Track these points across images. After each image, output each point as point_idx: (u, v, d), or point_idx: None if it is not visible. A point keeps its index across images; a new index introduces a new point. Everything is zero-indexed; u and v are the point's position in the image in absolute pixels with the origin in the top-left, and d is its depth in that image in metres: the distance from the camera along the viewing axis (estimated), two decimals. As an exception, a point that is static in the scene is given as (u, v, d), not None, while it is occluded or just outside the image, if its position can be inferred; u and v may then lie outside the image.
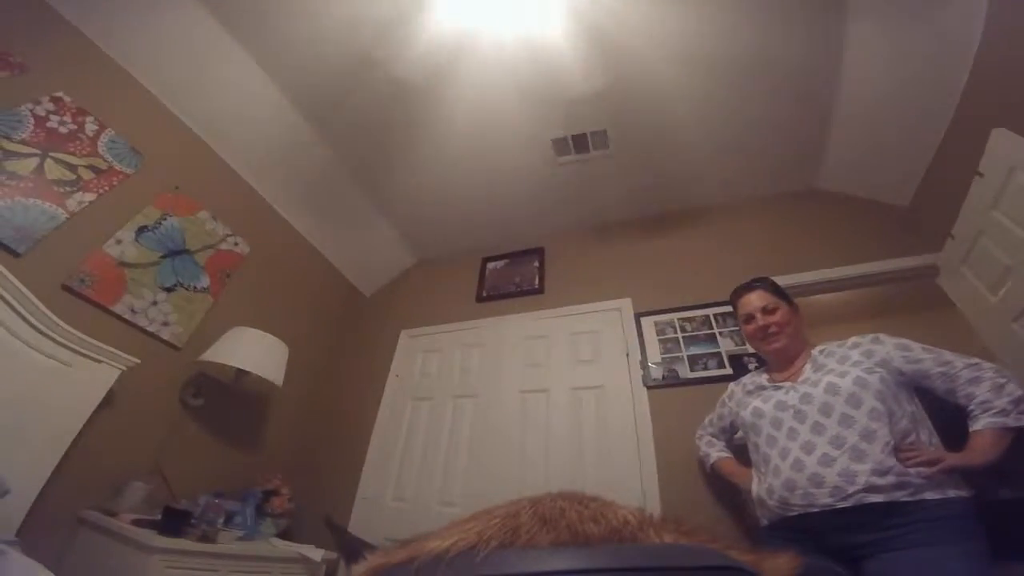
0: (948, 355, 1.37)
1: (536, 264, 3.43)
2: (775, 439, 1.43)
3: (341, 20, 2.30)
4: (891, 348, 1.42)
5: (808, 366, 1.52)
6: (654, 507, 2.07)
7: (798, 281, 2.59)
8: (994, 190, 1.66)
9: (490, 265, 3.59)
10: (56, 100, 2.04)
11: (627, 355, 2.65)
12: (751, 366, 2.34)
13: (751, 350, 2.40)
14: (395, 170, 3.17)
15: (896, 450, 1.24)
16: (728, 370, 2.38)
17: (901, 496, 1.18)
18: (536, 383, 2.76)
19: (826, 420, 1.33)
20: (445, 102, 2.67)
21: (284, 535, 2.17)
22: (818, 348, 1.56)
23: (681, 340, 2.60)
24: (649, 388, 2.47)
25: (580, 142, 2.89)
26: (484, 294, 3.42)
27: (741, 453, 1.76)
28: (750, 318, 1.68)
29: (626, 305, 2.87)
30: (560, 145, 2.92)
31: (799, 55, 2.31)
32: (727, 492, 1.95)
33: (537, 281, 3.33)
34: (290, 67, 2.57)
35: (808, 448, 1.32)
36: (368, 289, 3.88)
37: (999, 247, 1.69)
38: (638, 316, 2.79)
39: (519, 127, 2.80)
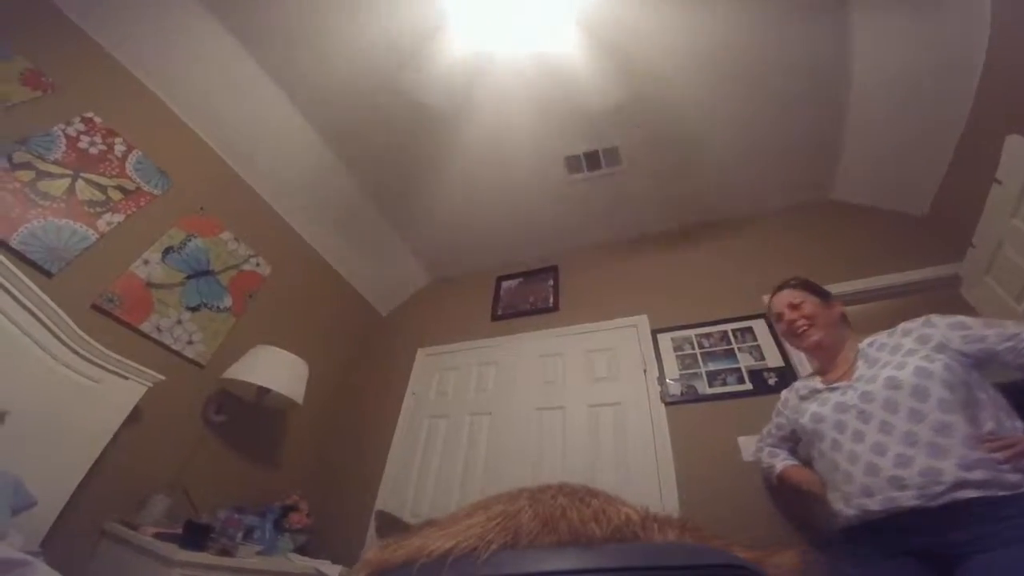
0: (1012, 326, 1.25)
1: (550, 282, 3.45)
2: (840, 444, 1.34)
3: (361, 47, 2.39)
4: (945, 329, 1.30)
5: (860, 362, 1.42)
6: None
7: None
8: (1013, 198, 1.65)
9: (505, 284, 3.61)
10: (87, 121, 2.11)
11: (644, 371, 2.64)
12: (771, 381, 2.31)
13: (771, 365, 2.38)
14: (412, 192, 3.25)
15: (978, 440, 1.14)
16: (748, 385, 2.35)
17: (995, 490, 1.08)
18: (552, 400, 2.75)
19: (893, 417, 1.24)
20: (461, 124, 2.75)
21: (302, 550, 2.17)
22: (866, 341, 1.46)
23: (699, 356, 2.58)
24: (668, 404, 2.44)
25: (592, 159, 2.93)
26: (499, 312, 3.44)
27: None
28: (779, 317, 1.63)
29: (642, 322, 2.87)
30: (573, 163, 2.96)
31: (812, 67, 2.34)
32: (750, 509, 1.91)
33: (552, 299, 3.34)
34: (312, 93, 2.67)
35: (879, 450, 1.23)
36: (385, 308, 3.92)
37: (1021, 256, 1.67)
38: (655, 332, 2.77)
39: (532, 146, 2.86)
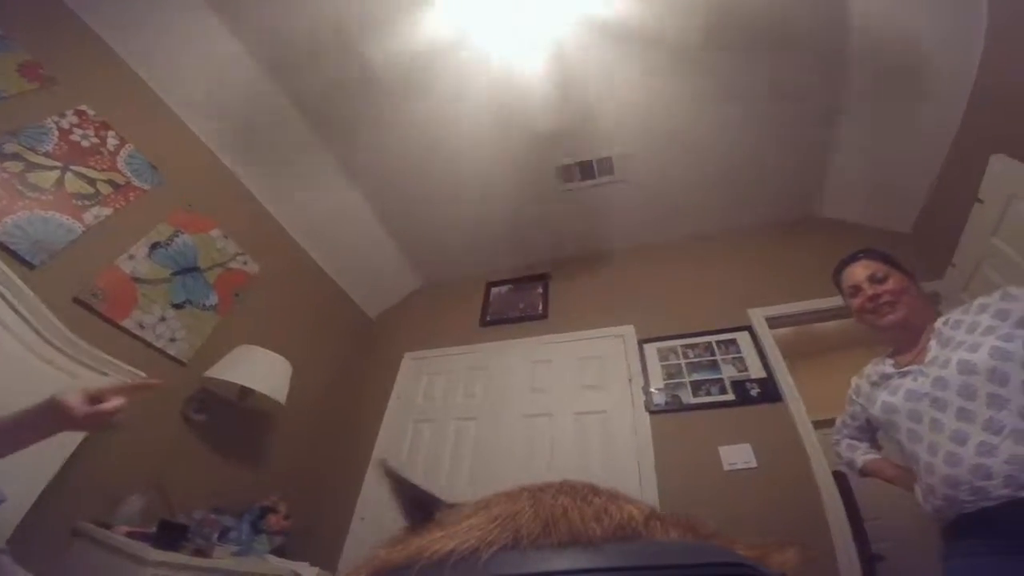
0: None
1: (540, 290, 3.46)
2: (918, 434, 1.24)
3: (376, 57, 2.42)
4: None
5: (933, 342, 1.29)
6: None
7: (800, 310, 2.61)
8: (994, 217, 1.68)
9: (494, 290, 3.62)
10: (80, 113, 2.09)
11: (630, 380, 2.65)
12: (753, 392, 2.33)
13: (754, 376, 2.39)
14: (406, 198, 3.25)
15: None
16: (731, 396, 2.37)
17: None
18: (539, 407, 2.75)
19: (971, 404, 1.14)
20: (456, 130, 2.77)
21: (279, 552, 2.14)
22: (941, 319, 1.33)
23: (684, 366, 2.60)
24: (652, 413, 2.46)
25: (586, 169, 2.95)
26: (488, 318, 3.44)
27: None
28: (856, 290, 1.46)
29: (629, 332, 2.89)
30: (567, 172, 2.98)
31: (800, 86, 2.38)
32: (731, 518, 1.91)
33: (541, 307, 3.35)
34: (309, 91, 2.67)
35: (959, 438, 1.14)
36: (373, 311, 3.91)
37: (999, 274, 1.70)
38: (641, 343, 2.80)
39: (526, 154, 2.88)
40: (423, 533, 0.28)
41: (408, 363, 3.36)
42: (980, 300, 1.26)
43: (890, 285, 1.40)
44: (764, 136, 2.65)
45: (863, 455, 1.57)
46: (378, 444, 2.93)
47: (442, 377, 3.18)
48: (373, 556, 0.28)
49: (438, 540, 0.25)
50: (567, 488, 0.29)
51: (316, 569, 1.98)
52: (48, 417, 0.78)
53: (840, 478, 2.10)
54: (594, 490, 0.29)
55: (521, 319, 3.33)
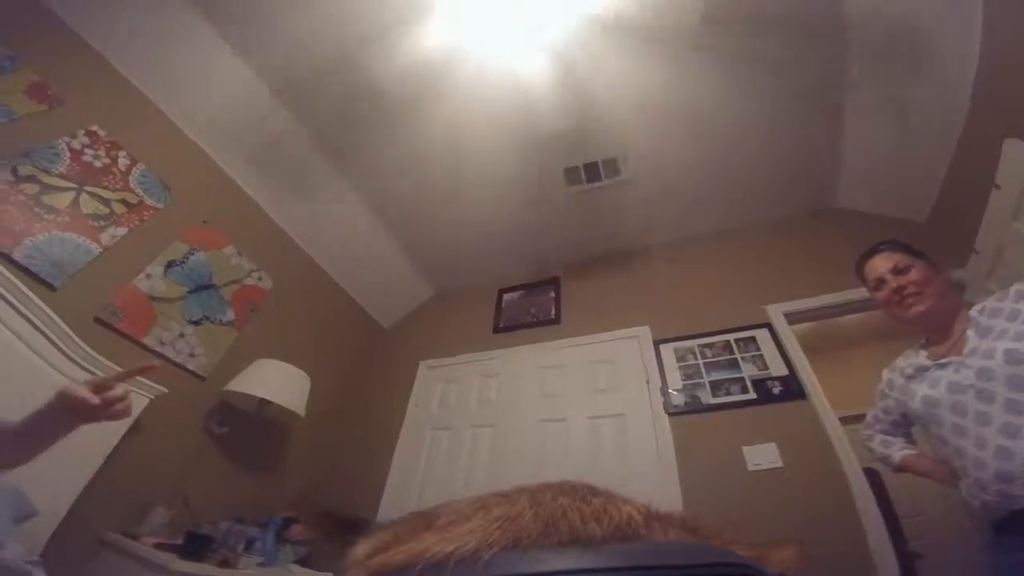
0: None
1: (552, 294, 3.45)
2: (963, 428, 1.20)
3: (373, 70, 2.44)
4: None
5: (971, 332, 1.26)
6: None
7: (819, 304, 2.57)
8: (1012, 202, 1.64)
9: (506, 296, 3.62)
10: (91, 134, 2.12)
11: (647, 382, 2.62)
12: (775, 390, 2.30)
13: (775, 374, 2.36)
14: (414, 208, 3.28)
15: None
16: (752, 395, 2.33)
17: None
18: (554, 412, 2.73)
19: (1020, 395, 1.10)
20: (460, 139, 2.78)
21: (303, 562, 2.14)
22: (976, 308, 1.30)
23: (702, 366, 2.57)
24: (671, 415, 2.43)
25: (592, 171, 2.94)
26: (501, 325, 3.44)
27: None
28: (880, 283, 1.44)
29: (644, 333, 2.86)
30: (572, 174, 2.98)
31: (807, 75, 2.36)
32: (756, 520, 1.88)
33: (553, 311, 3.34)
34: (312, 103, 2.70)
35: (1010, 432, 1.11)
36: (387, 321, 3.92)
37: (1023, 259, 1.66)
38: (657, 343, 2.77)
39: (532, 158, 2.88)
40: (418, 536, 0.28)
41: (424, 371, 3.36)
42: (1017, 287, 1.23)
43: (914, 276, 1.37)
44: (773, 127, 2.62)
45: (899, 450, 1.53)
46: (397, 453, 2.93)
47: (457, 384, 3.18)
48: (361, 559, 0.29)
49: (437, 541, 0.25)
50: (566, 488, 0.29)
51: (339, 580, 1.97)
52: (61, 412, 0.79)
53: (872, 475, 2.05)
54: (592, 491, 0.29)
55: (534, 324, 3.32)
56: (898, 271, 1.39)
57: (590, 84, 2.45)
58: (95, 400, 0.77)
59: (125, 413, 0.83)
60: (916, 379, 1.37)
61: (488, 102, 2.57)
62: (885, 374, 1.54)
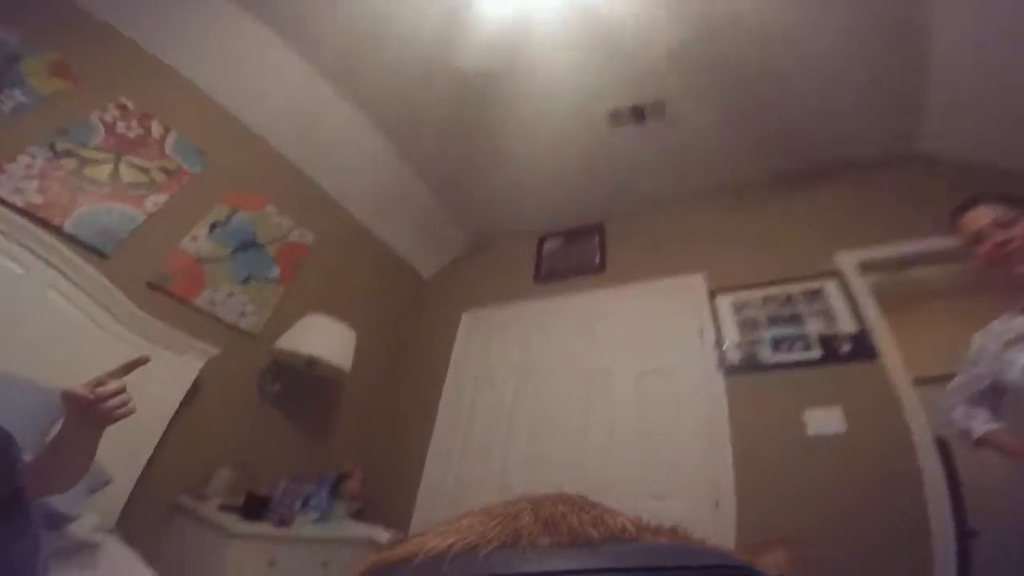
0: None
1: (596, 240, 3.29)
2: None
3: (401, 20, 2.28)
4: None
5: None
6: (729, 508, 1.94)
7: (898, 252, 2.30)
8: None
9: (547, 244, 3.49)
10: (121, 107, 2.11)
11: (701, 336, 2.48)
12: (844, 349, 2.11)
13: (844, 330, 2.16)
14: (453, 155, 3.14)
15: None
16: (817, 354, 2.15)
17: None
18: (598, 364, 2.67)
19: None
20: (503, 89, 2.60)
21: (356, 517, 2.27)
22: None
23: (762, 320, 2.39)
24: (726, 373, 2.29)
25: (638, 114, 2.67)
26: (542, 273, 3.34)
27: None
28: (980, 237, 1.31)
29: (698, 282, 2.67)
30: (617, 117, 2.71)
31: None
32: (814, 490, 1.78)
33: (598, 258, 3.19)
34: (347, 66, 2.60)
35: None
36: (427, 271, 3.90)
37: None
38: (712, 293, 2.59)
39: (574, 101, 2.64)
40: (419, 536, 0.28)
41: (467, 321, 3.35)
42: None
43: (1020, 230, 1.24)
44: (845, 54, 2.22)
45: (983, 425, 1.40)
46: (441, 406, 2.97)
47: (499, 335, 3.15)
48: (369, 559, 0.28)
49: (436, 537, 0.25)
50: (564, 498, 0.30)
51: (389, 532, 2.07)
52: (71, 417, 0.81)
53: (942, 445, 1.88)
54: (590, 502, 0.30)
55: (577, 272, 3.20)
56: (1000, 224, 1.27)
57: (633, 21, 2.16)
58: (88, 395, 0.77)
59: (126, 413, 0.82)
60: (1016, 345, 1.25)
61: (534, 47, 2.35)
62: (978, 338, 1.39)
